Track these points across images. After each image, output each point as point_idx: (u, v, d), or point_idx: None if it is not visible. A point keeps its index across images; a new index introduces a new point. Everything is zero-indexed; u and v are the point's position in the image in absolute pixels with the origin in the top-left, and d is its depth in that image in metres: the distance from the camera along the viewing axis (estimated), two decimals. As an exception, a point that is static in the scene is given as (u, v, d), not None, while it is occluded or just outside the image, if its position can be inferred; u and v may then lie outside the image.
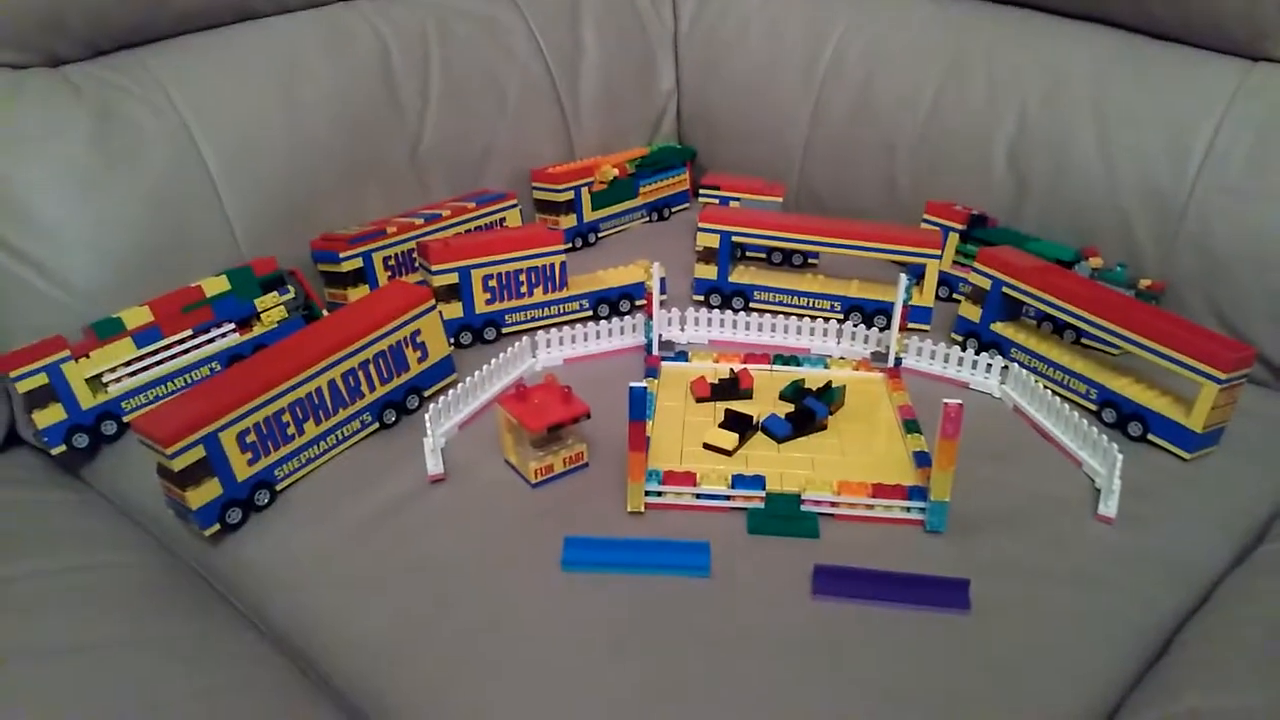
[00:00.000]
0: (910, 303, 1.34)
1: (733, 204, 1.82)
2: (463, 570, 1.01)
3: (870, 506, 1.06)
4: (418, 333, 1.28)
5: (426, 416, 1.18)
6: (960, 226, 1.65)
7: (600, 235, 1.94)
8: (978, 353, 1.39)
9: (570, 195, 1.85)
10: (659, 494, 1.08)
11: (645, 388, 1.00)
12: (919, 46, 1.81)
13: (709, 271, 1.59)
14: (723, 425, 1.18)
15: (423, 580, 1.00)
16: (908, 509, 1.06)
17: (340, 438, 1.21)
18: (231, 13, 1.60)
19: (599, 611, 0.95)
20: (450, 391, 1.24)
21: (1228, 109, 1.48)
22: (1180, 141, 1.50)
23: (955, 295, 1.67)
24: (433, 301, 1.29)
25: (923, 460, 1.13)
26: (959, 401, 0.98)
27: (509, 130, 1.88)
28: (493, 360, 1.32)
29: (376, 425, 1.25)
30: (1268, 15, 1.43)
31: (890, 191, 1.85)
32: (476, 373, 1.29)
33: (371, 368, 1.23)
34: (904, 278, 1.31)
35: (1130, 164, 1.55)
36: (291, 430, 1.15)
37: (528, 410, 1.10)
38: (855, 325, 1.45)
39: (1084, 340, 1.47)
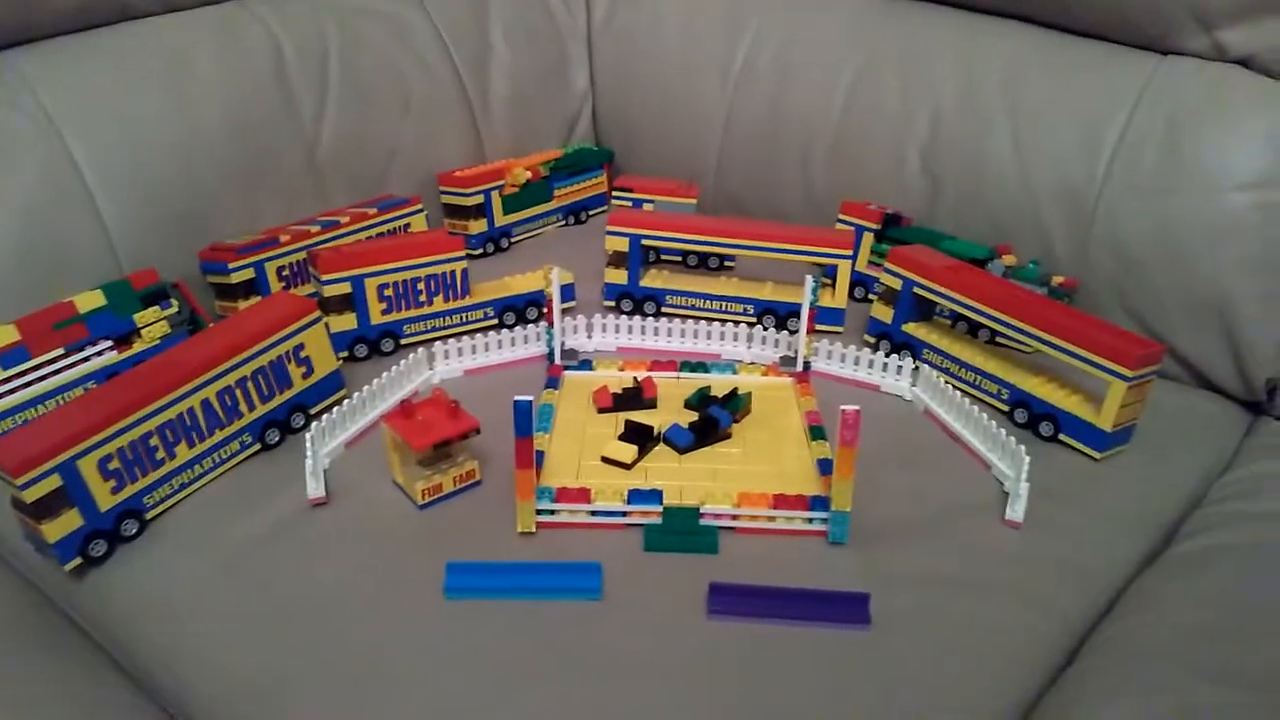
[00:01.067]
0: (819, 304, 1.30)
1: (647, 206, 1.78)
2: (343, 602, 0.95)
3: (771, 519, 1.02)
4: (301, 347, 1.21)
5: (307, 436, 1.11)
6: (875, 226, 1.62)
7: (513, 240, 1.88)
8: (889, 354, 1.36)
9: (480, 199, 1.79)
10: (552, 512, 1.02)
11: (529, 402, 0.95)
12: (833, 45, 1.78)
13: (619, 276, 1.54)
14: (622, 437, 1.13)
15: (301, 613, 0.94)
16: (810, 520, 1.02)
17: (217, 460, 1.14)
18: (112, 12, 1.51)
19: (485, 642, 0.89)
20: (336, 408, 1.18)
21: (1137, 103, 1.47)
22: (1092, 138, 1.49)
23: (871, 295, 1.64)
24: (318, 313, 1.22)
25: (827, 468, 1.09)
26: (855, 408, 0.94)
27: (414, 133, 1.81)
28: (384, 374, 1.25)
29: (258, 446, 1.18)
30: (1175, 8, 1.42)
31: (807, 192, 1.82)
32: (365, 388, 1.22)
33: (250, 385, 1.15)
34: (810, 279, 1.28)
35: (1043, 161, 1.54)
36: (161, 454, 1.07)
37: (413, 427, 1.04)
38: (767, 329, 1.41)
39: (999, 339, 1.46)
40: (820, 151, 1.78)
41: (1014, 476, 1.11)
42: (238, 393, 1.14)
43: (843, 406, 0.94)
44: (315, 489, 1.07)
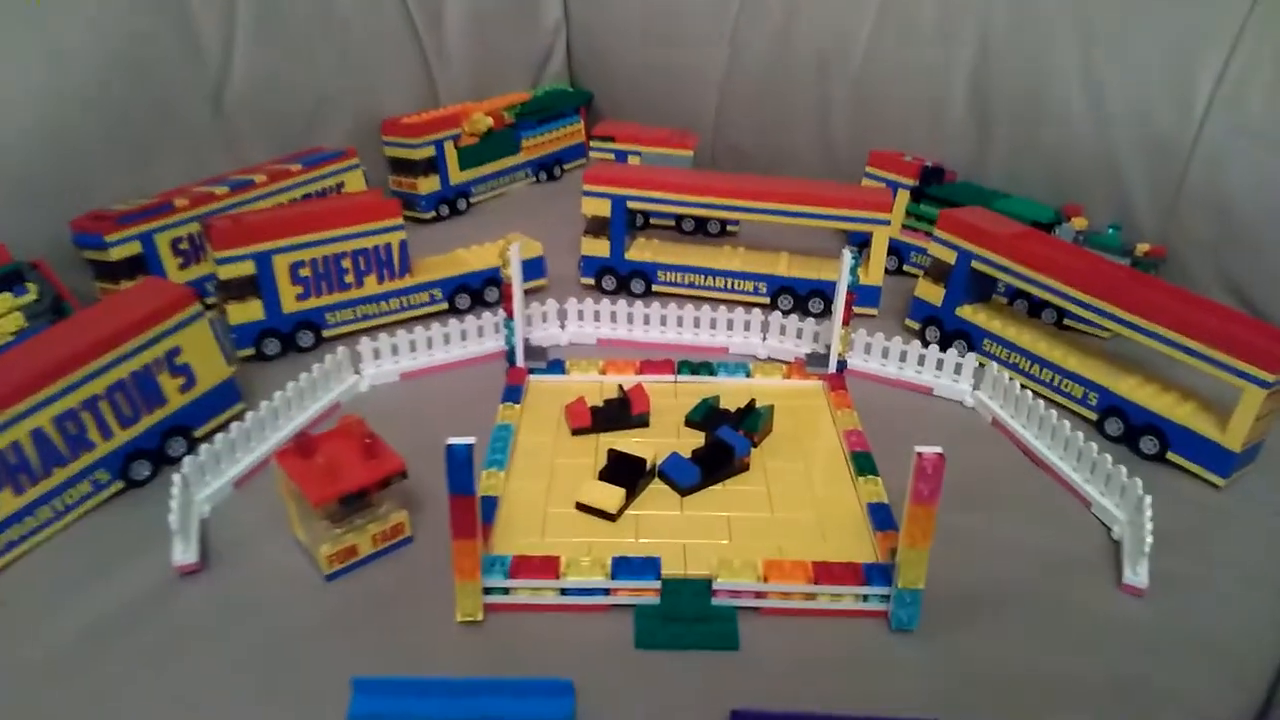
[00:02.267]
0: (857, 284, 1.01)
1: (632, 160, 1.48)
2: (206, 727, 0.66)
3: (811, 596, 0.73)
4: (177, 351, 0.91)
5: (175, 477, 0.82)
6: (911, 182, 1.34)
7: (472, 201, 1.58)
8: (942, 346, 1.07)
9: (431, 151, 1.49)
10: (505, 591, 0.74)
11: (468, 448, 0.66)
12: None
13: (599, 248, 1.25)
14: (604, 474, 0.84)
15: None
16: (864, 597, 0.73)
17: (59, 509, 0.85)
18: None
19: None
20: (220, 434, 0.88)
21: (1241, 32, 1.17)
22: (1184, 72, 1.20)
23: (906, 268, 1.35)
24: (197, 306, 0.93)
25: (882, 518, 0.81)
26: (937, 451, 0.66)
27: (351, 73, 1.50)
28: (290, 384, 0.96)
29: (120, 485, 0.88)
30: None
31: (825, 140, 1.52)
32: (264, 403, 0.92)
33: (105, 405, 0.86)
34: (848, 253, 0.98)
35: (1122, 99, 1.25)
36: (-29, 506, 0.78)
37: (312, 472, 0.75)
38: (786, 313, 1.12)
39: (1067, 321, 1.17)
40: (841, 90, 1.48)
41: (1128, 521, 0.83)
42: (85, 417, 0.85)
43: (918, 448, 0.66)
44: (184, 552, 0.79)
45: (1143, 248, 1.19)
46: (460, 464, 0.66)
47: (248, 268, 1.07)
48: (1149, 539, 0.79)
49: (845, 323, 1.01)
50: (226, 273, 1.06)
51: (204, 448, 0.87)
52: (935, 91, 1.40)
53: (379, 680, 0.66)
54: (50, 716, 0.68)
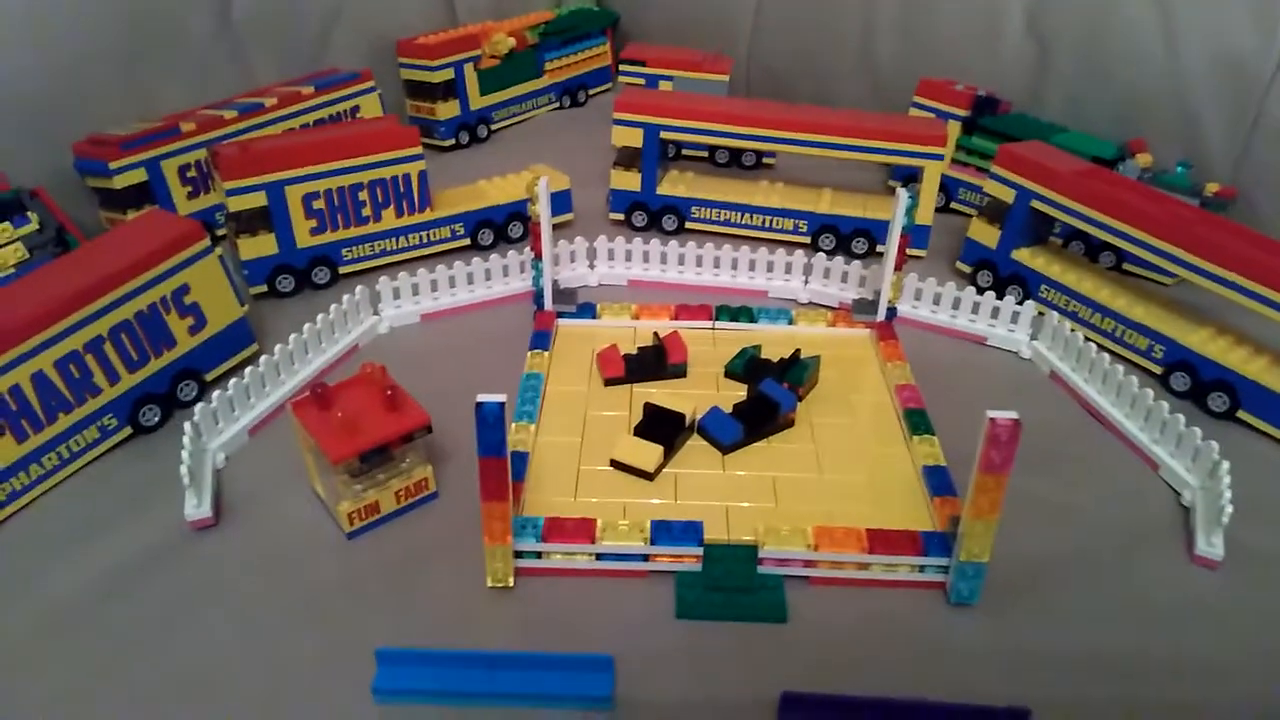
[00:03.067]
0: (912, 226, 0.94)
1: (663, 85, 1.39)
2: (215, 691, 0.63)
3: (864, 566, 0.68)
4: (185, 289, 0.86)
5: (187, 425, 0.77)
6: (963, 113, 1.26)
7: (493, 128, 1.50)
8: (998, 292, 1.00)
9: (450, 74, 1.41)
10: (538, 555, 0.69)
11: (500, 405, 0.60)
12: None
13: (630, 181, 1.18)
14: (640, 430, 0.79)
15: (153, 705, 0.62)
16: (921, 569, 0.69)
17: (64, 456, 0.80)
18: None
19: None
20: (234, 379, 0.83)
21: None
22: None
23: (954, 205, 1.28)
24: (206, 241, 0.87)
25: (939, 482, 0.75)
26: (1012, 416, 0.60)
27: (365, -13, 1.41)
28: (306, 325, 0.90)
29: (128, 430, 0.84)
30: None
31: (869, 66, 1.43)
32: (279, 346, 0.87)
33: (109, 347, 0.81)
34: (903, 193, 0.91)
35: (1195, 23, 1.15)
36: (-29, 454, 0.74)
37: (329, 426, 0.70)
38: (829, 254, 1.05)
39: (1127, 265, 1.10)
40: (888, 9, 1.38)
41: (1200, 487, 0.77)
42: (89, 359, 0.80)
43: (990, 413, 0.60)
44: (198, 506, 0.75)
45: (1212, 187, 1.11)
46: (491, 423, 0.61)
47: (259, 199, 1.01)
48: (1228, 508, 0.73)
49: (898, 267, 0.94)
50: (236, 204, 1.00)
51: (216, 394, 0.82)
52: (991, 14, 1.30)
53: (403, 652, 0.62)
54: (51, 673, 0.65)
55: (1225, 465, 0.76)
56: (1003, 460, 0.61)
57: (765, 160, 1.37)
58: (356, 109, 1.33)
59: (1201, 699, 0.64)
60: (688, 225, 1.19)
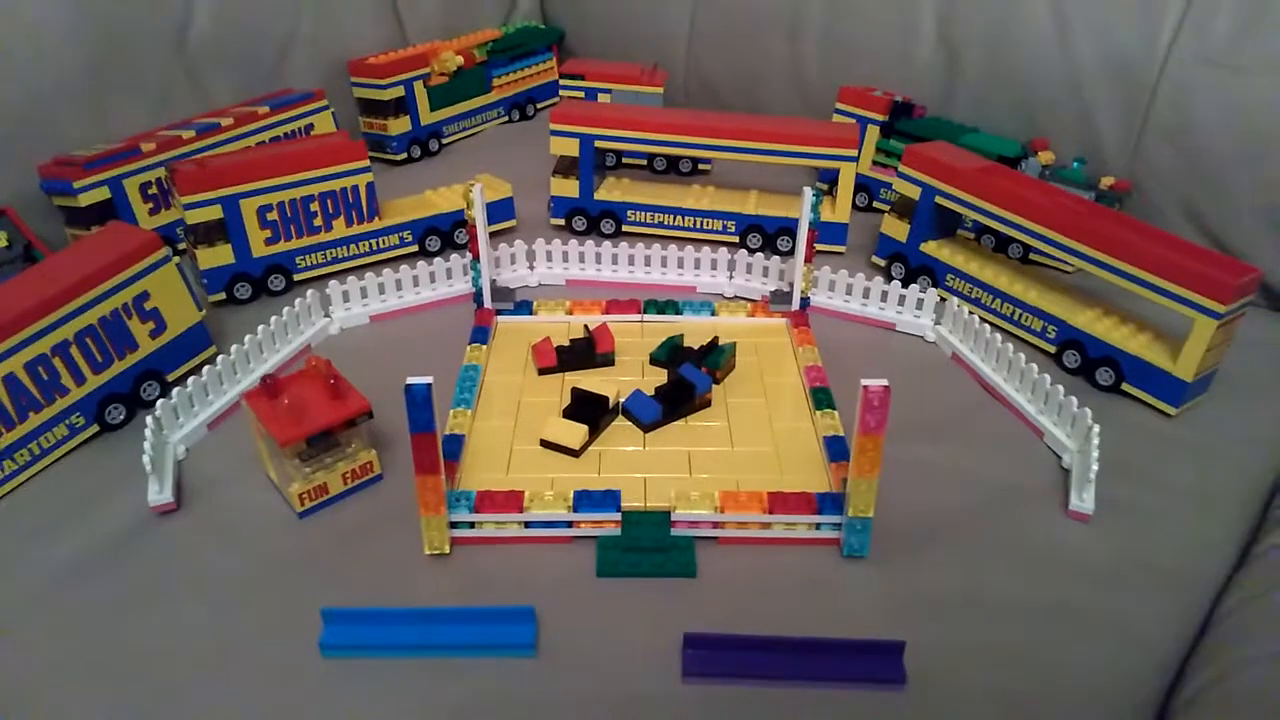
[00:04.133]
0: (819, 222, 1.02)
1: (602, 97, 1.47)
2: (181, 657, 0.69)
3: (767, 526, 0.76)
4: (145, 296, 0.92)
5: (148, 419, 0.83)
6: (880, 117, 1.33)
7: (444, 142, 1.57)
8: (906, 282, 1.09)
9: (400, 92, 1.48)
10: (471, 525, 0.76)
11: (427, 386, 0.67)
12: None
13: (569, 188, 1.25)
14: (568, 411, 0.86)
15: (125, 673, 0.68)
16: (817, 526, 0.76)
17: (35, 453, 0.86)
18: None
19: None
20: (193, 378, 0.90)
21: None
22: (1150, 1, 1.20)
23: (876, 204, 1.36)
24: (164, 251, 0.93)
25: (837, 450, 0.83)
26: (882, 384, 0.68)
27: (316, 11, 1.48)
28: (260, 327, 0.97)
29: (95, 428, 0.90)
30: None
31: (797, 76, 1.51)
32: (235, 347, 0.94)
33: (75, 351, 0.87)
34: (809, 191, 0.99)
35: (1088, 29, 1.24)
36: (-52, 452, 0.80)
37: (278, 413, 0.77)
38: (754, 252, 1.13)
39: (1032, 256, 1.19)
40: (812, 22, 1.47)
41: (1077, 450, 0.86)
42: (56, 362, 0.86)
43: (864, 381, 0.68)
44: (159, 492, 0.81)
45: (1107, 181, 1.20)
46: (419, 402, 0.68)
47: (215, 212, 1.07)
48: (1095, 465, 0.81)
49: (808, 260, 1.02)
50: (193, 218, 1.06)
51: (176, 390, 0.88)
52: (905, 26, 1.39)
53: (347, 611, 0.69)
54: (30, 649, 0.71)
55: (1096, 429, 0.84)
56: (877, 422, 0.69)
57: (701, 167, 1.45)
58: (310, 127, 1.39)
59: (1061, 636, 0.71)
60: (625, 228, 1.26)
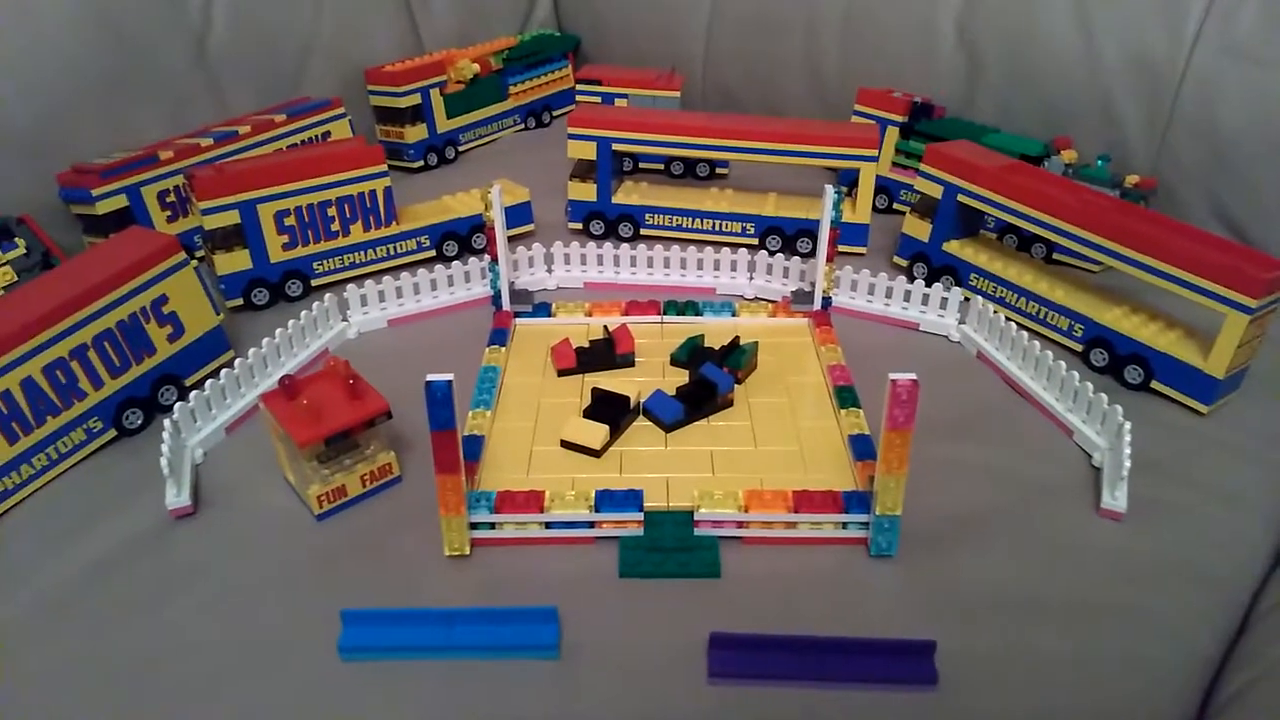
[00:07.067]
0: (840, 221, 1.00)
1: (619, 102, 1.46)
2: (198, 661, 0.68)
3: (792, 525, 0.74)
4: (163, 299, 0.92)
5: (166, 423, 0.83)
6: (900, 118, 1.32)
7: (460, 149, 1.57)
8: (929, 282, 1.07)
9: (417, 99, 1.48)
10: (492, 526, 0.75)
11: (448, 383, 0.66)
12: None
13: (586, 191, 1.24)
14: (589, 411, 0.85)
15: (142, 676, 0.67)
16: (844, 525, 0.75)
17: (53, 457, 0.86)
18: None
19: (394, 723, 0.63)
20: (210, 381, 0.89)
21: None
22: (1174, -5, 1.19)
23: (897, 206, 1.35)
24: (181, 255, 0.93)
25: (862, 448, 0.81)
26: (910, 377, 0.66)
27: (333, 20, 1.48)
28: (278, 330, 0.96)
29: (113, 433, 0.90)
30: None
31: (814, 79, 1.51)
32: (253, 351, 0.93)
33: (94, 354, 0.87)
34: (830, 190, 0.98)
35: (1110, 24, 1.23)
36: (-34, 456, 0.79)
37: (297, 414, 0.76)
38: (774, 253, 1.12)
39: (1056, 255, 1.17)
40: (830, 24, 1.46)
41: (1108, 448, 0.84)
42: (74, 366, 0.86)
43: (892, 375, 0.67)
44: (177, 496, 0.80)
45: (1132, 179, 1.18)
46: (439, 400, 0.67)
47: (232, 217, 1.07)
48: (1127, 463, 0.80)
49: (829, 260, 1.01)
50: (211, 223, 1.06)
51: (194, 394, 0.88)
52: (925, 28, 1.38)
53: (367, 612, 0.68)
54: (48, 652, 0.70)
55: (1127, 426, 0.83)
56: (905, 417, 0.67)
57: (718, 170, 1.44)
58: (327, 134, 1.39)
59: (1096, 635, 0.69)
60: (642, 232, 1.25)
